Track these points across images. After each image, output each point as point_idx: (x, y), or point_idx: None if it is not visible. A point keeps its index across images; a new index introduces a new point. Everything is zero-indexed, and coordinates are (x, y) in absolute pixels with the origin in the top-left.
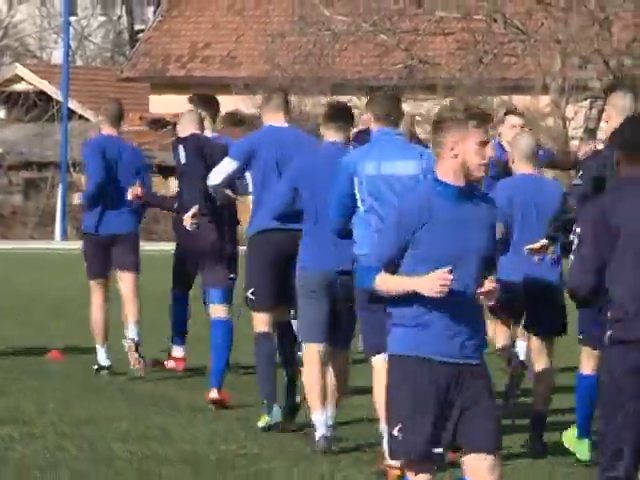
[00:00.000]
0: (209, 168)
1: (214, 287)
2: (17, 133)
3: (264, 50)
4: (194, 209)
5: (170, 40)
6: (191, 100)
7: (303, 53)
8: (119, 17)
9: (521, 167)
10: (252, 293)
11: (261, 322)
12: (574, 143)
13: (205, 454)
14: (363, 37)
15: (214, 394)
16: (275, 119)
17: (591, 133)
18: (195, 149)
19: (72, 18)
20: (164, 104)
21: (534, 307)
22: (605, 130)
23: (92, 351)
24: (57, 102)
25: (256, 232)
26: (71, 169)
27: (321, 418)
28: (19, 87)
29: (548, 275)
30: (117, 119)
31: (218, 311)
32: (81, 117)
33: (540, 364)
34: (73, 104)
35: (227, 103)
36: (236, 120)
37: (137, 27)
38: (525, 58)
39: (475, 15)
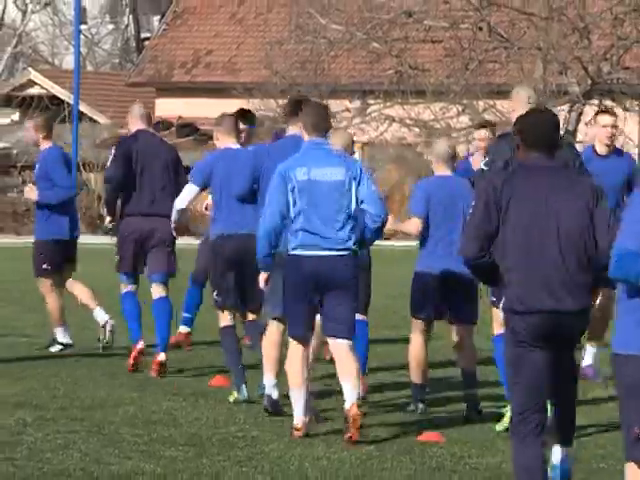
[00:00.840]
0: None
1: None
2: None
3: (263, 57)
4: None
5: (175, 47)
6: (240, 116)
7: (300, 60)
8: (126, 25)
9: (439, 169)
10: (217, 294)
11: (224, 318)
12: None
13: (207, 436)
14: (357, 45)
15: (161, 357)
16: (228, 141)
17: (571, 134)
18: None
19: (82, 26)
20: (169, 107)
21: (453, 298)
22: (511, 118)
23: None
24: (68, 105)
25: (216, 237)
26: (81, 168)
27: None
28: (33, 91)
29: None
30: (51, 131)
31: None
32: (91, 119)
33: (464, 349)
34: (83, 107)
35: (228, 107)
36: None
37: (143, 35)
38: (509, 64)
39: (462, 24)
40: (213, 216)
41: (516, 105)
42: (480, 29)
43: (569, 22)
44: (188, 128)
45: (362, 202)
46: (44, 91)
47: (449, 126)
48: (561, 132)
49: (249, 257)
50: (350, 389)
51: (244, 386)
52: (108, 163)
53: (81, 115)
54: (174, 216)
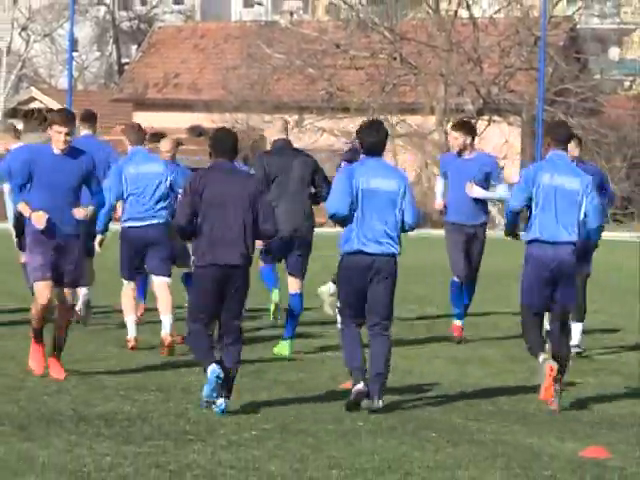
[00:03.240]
0: None
1: None
2: (31, 141)
3: (221, 79)
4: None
5: (149, 71)
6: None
7: (250, 82)
8: (110, 53)
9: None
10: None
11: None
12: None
13: (173, 384)
14: (295, 70)
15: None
16: (15, 142)
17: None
18: None
19: (74, 53)
20: (144, 119)
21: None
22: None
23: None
24: None
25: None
26: None
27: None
28: (34, 105)
29: None
30: None
31: None
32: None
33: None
34: None
35: (192, 119)
36: (197, 132)
37: (124, 61)
38: (417, 87)
39: (380, 54)
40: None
41: (271, 131)
42: (394, 59)
43: (465, 53)
44: (158, 136)
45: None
46: (43, 105)
47: None
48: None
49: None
50: (168, 320)
51: None
52: None
53: None
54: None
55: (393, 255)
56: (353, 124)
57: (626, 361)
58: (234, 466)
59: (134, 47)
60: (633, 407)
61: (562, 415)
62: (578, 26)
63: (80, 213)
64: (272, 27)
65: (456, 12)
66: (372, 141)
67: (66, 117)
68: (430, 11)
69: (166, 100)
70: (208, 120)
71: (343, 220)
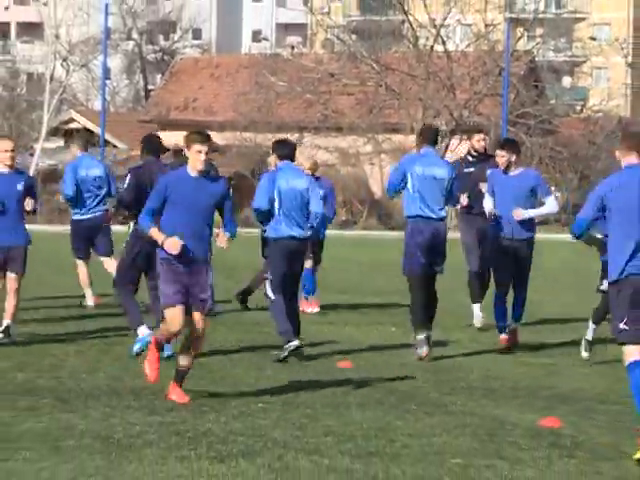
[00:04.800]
0: None
1: None
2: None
3: (232, 103)
4: None
5: (171, 96)
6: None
7: (257, 105)
8: (137, 81)
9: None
10: None
11: None
12: None
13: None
14: (296, 96)
15: None
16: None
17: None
18: None
19: (107, 81)
20: (167, 138)
21: None
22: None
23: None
24: (97, 135)
25: None
26: None
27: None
28: (73, 125)
29: None
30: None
31: None
32: (114, 146)
33: None
34: (107, 136)
35: None
36: (212, 148)
37: (149, 87)
38: (399, 110)
39: (368, 82)
40: None
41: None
42: (380, 86)
43: (440, 82)
44: (181, 152)
45: None
46: (80, 125)
47: (358, 152)
48: None
49: None
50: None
51: None
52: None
53: (106, 142)
54: None
55: (307, 238)
56: (345, 141)
57: (577, 345)
58: (243, 433)
59: (158, 76)
60: (582, 384)
61: (523, 390)
62: (536, 58)
63: (224, 241)
64: (276, 59)
65: (432, 46)
66: (287, 152)
67: (205, 136)
68: (410, 46)
69: (186, 121)
70: (222, 138)
71: (264, 213)
